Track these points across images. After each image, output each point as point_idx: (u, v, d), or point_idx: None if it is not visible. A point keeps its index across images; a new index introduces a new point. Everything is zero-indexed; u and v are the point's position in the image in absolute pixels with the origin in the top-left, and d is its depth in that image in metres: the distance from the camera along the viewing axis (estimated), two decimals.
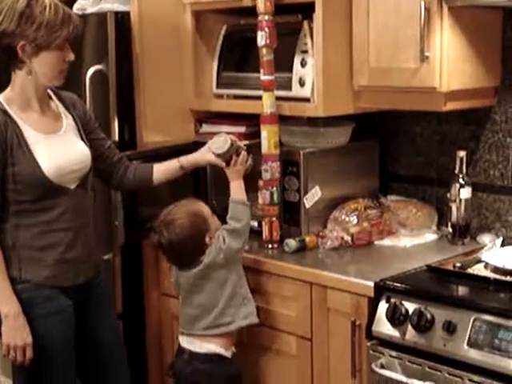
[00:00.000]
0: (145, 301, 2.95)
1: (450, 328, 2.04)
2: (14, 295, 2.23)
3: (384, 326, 2.18)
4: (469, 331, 2.01)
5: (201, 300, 2.43)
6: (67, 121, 2.36)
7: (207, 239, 2.41)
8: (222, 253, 2.37)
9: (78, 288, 2.36)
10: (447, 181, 2.61)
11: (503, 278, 2.17)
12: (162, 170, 2.57)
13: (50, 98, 2.37)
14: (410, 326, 2.12)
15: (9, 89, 2.30)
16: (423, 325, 2.08)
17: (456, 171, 2.56)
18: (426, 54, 2.33)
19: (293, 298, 2.45)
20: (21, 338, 2.23)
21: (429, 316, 2.08)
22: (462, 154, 2.56)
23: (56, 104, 2.37)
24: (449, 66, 2.35)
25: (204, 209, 2.47)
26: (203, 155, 2.55)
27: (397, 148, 2.87)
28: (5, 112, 2.24)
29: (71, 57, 2.29)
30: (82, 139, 2.38)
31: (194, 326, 2.44)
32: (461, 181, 2.55)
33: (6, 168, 2.22)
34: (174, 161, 2.57)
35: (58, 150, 2.28)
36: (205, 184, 2.93)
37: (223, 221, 2.46)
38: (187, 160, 2.56)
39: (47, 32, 2.20)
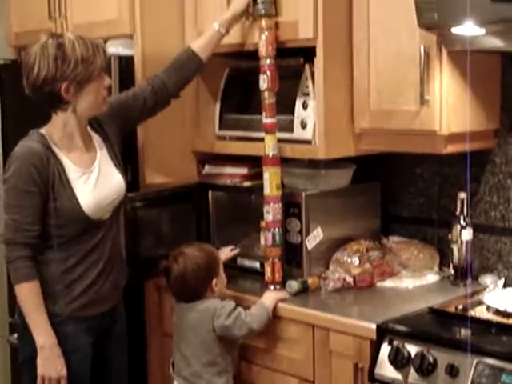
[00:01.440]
0: (147, 342, 2.95)
1: (452, 371, 2.03)
2: (50, 327, 2.29)
3: (386, 369, 2.17)
4: (471, 375, 2.00)
5: (186, 351, 2.47)
6: (102, 152, 2.41)
7: (214, 282, 2.47)
8: (232, 323, 2.41)
9: (101, 321, 2.42)
10: (448, 222, 2.62)
11: (505, 320, 2.17)
12: (204, 46, 2.65)
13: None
14: (412, 369, 2.12)
15: (50, 125, 2.34)
16: (426, 368, 2.08)
17: (457, 213, 2.57)
18: (426, 97, 2.36)
19: (295, 340, 2.45)
20: (55, 370, 2.28)
21: (431, 359, 2.08)
22: (462, 195, 2.57)
23: (92, 135, 2.42)
24: (448, 109, 2.38)
25: (216, 252, 2.56)
26: (237, 3, 2.64)
27: (398, 189, 2.89)
28: (48, 147, 2.28)
29: (109, 81, 2.35)
30: (116, 163, 2.43)
31: (181, 372, 2.50)
32: (462, 222, 2.56)
33: (47, 202, 2.28)
34: (210, 29, 2.66)
35: (97, 186, 2.34)
36: (207, 225, 2.94)
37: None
38: (225, 19, 2.65)
39: (84, 66, 2.24)
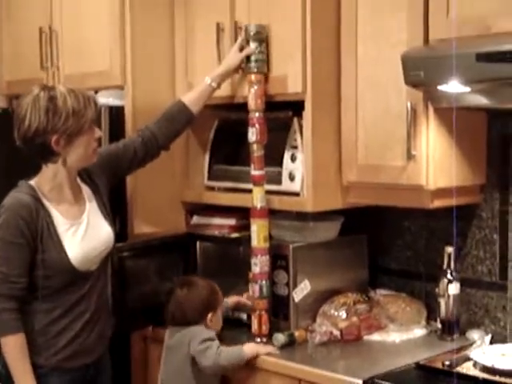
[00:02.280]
0: None
1: None
2: (34, 380, 2.27)
3: None
4: None
5: (163, 374, 2.55)
6: (91, 204, 2.41)
7: (209, 316, 2.54)
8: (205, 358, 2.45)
9: (86, 373, 2.40)
10: (435, 275, 2.63)
11: (492, 377, 2.16)
12: (196, 99, 2.68)
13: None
14: None
15: (39, 176, 2.34)
16: None
17: (444, 267, 2.58)
18: (413, 152, 2.39)
19: None
20: None
21: None
22: (449, 249, 2.58)
23: (81, 187, 2.42)
24: (435, 164, 2.40)
25: (221, 296, 2.63)
26: (231, 61, 2.66)
27: (385, 242, 2.90)
28: (37, 199, 2.28)
29: (99, 133, 2.37)
30: (106, 214, 2.44)
31: None
32: (449, 276, 2.57)
33: (35, 254, 2.27)
34: (202, 83, 2.69)
35: (85, 237, 2.34)
36: (195, 275, 2.93)
37: None
38: (216, 75, 2.67)
39: (75, 119, 2.25)
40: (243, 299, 2.73)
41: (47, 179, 2.33)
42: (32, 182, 2.33)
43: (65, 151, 2.28)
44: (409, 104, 2.37)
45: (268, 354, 2.49)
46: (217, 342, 2.48)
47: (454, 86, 2.18)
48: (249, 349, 2.48)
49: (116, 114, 2.86)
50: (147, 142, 2.61)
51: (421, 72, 2.18)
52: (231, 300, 2.73)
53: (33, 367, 2.27)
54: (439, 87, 2.24)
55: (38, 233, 2.26)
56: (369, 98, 2.51)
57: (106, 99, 2.87)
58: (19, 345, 2.25)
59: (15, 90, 3.34)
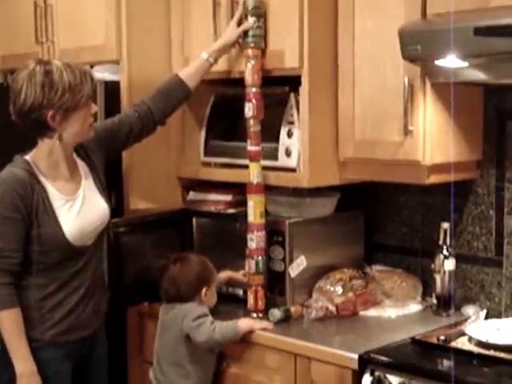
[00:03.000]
0: (128, 368, 2.92)
1: None
2: (30, 354, 2.27)
3: None
4: None
5: (158, 350, 2.57)
6: (87, 179, 2.40)
7: (204, 291, 2.54)
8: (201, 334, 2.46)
9: (82, 347, 2.40)
10: (431, 251, 2.63)
11: (486, 352, 2.17)
12: (192, 74, 2.66)
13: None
14: None
15: (35, 151, 2.33)
16: None
17: (440, 242, 2.58)
18: (410, 128, 2.38)
19: (276, 368, 2.44)
20: None
21: None
22: (445, 225, 2.58)
23: (78, 162, 2.41)
24: (432, 140, 2.40)
25: (215, 270, 2.63)
26: (228, 36, 2.64)
27: (381, 218, 2.90)
28: (33, 174, 2.27)
29: (96, 108, 2.35)
30: (101, 190, 2.43)
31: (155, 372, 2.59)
32: (445, 252, 2.57)
33: (31, 229, 2.26)
34: (199, 58, 2.66)
35: (81, 213, 2.33)
36: (191, 251, 2.93)
37: None
38: (213, 50, 2.65)
39: (71, 94, 2.23)
40: (236, 274, 2.73)
41: (43, 154, 2.32)
42: (27, 157, 2.32)
43: (61, 126, 2.27)
44: (406, 79, 2.36)
45: (263, 329, 2.49)
46: (210, 318, 2.48)
47: (451, 61, 2.17)
48: (244, 324, 2.49)
49: (111, 88, 2.84)
50: (143, 117, 2.60)
51: (418, 46, 2.17)
52: (224, 275, 2.74)
53: (28, 341, 2.28)
54: (437, 62, 2.22)
55: (33, 208, 2.26)
56: (366, 73, 2.50)
57: (101, 74, 2.86)
58: (15, 320, 2.26)
59: (10, 64, 3.32)
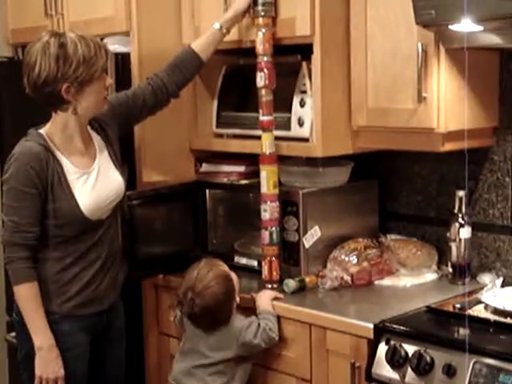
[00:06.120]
0: (144, 340, 2.94)
1: (449, 371, 2.02)
2: (48, 328, 2.28)
3: (384, 369, 2.16)
4: (469, 375, 1.99)
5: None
6: (102, 153, 2.39)
7: (237, 296, 2.45)
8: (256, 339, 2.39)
9: (99, 320, 2.41)
10: (447, 220, 2.61)
11: (503, 319, 2.16)
12: (205, 45, 2.63)
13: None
14: (409, 369, 2.10)
15: (50, 124, 2.33)
16: (423, 368, 2.07)
17: (455, 211, 2.56)
18: (424, 94, 2.35)
19: (292, 339, 2.44)
20: (53, 371, 2.28)
21: (428, 359, 2.07)
22: (461, 193, 2.56)
23: (92, 136, 2.41)
24: (446, 106, 2.37)
25: (225, 267, 2.49)
26: (239, 4, 2.60)
27: (396, 187, 2.87)
28: (47, 148, 2.27)
29: (110, 81, 2.34)
30: (116, 163, 2.42)
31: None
32: (460, 220, 2.55)
33: (46, 204, 2.27)
34: (211, 29, 2.63)
35: (96, 186, 2.33)
36: (204, 223, 2.93)
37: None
38: (225, 19, 2.61)
39: (86, 67, 2.22)
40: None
41: (58, 128, 2.31)
42: (42, 131, 2.32)
43: (75, 100, 2.26)
44: (420, 45, 2.32)
45: (276, 298, 2.48)
46: (262, 325, 2.40)
47: (466, 25, 2.13)
48: (269, 305, 2.45)
49: (122, 60, 2.82)
50: (157, 90, 2.58)
51: (432, 11, 2.13)
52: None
53: (46, 314, 2.29)
54: (451, 26, 2.19)
55: (48, 182, 2.26)
56: (379, 39, 2.46)
57: (111, 46, 2.81)
58: (33, 293, 2.27)
59: (20, 38, 3.31)
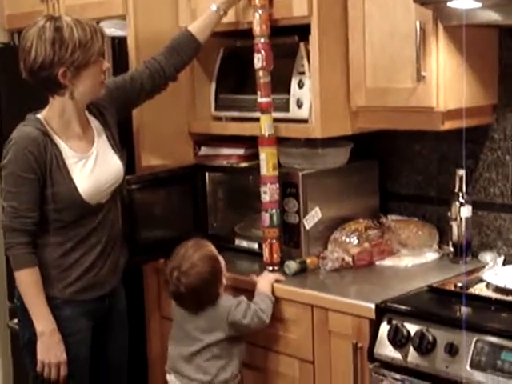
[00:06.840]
0: (146, 324, 2.94)
1: (452, 350, 2.02)
2: (50, 313, 2.29)
3: (386, 348, 2.16)
4: (471, 353, 2.00)
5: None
6: (100, 137, 2.39)
7: (224, 279, 2.42)
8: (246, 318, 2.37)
9: (100, 305, 2.42)
10: (447, 199, 2.60)
11: (505, 297, 2.16)
12: (202, 28, 2.61)
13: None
14: (411, 348, 2.11)
15: (47, 109, 2.32)
16: (425, 347, 2.07)
17: (456, 190, 2.55)
18: (423, 73, 2.33)
19: (294, 320, 2.44)
20: (55, 356, 2.29)
21: (430, 338, 2.07)
22: (461, 172, 2.55)
23: (90, 120, 2.40)
24: (445, 85, 2.35)
25: (213, 248, 2.46)
26: None
27: (396, 167, 2.86)
28: (45, 133, 2.27)
29: (107, 65, 2.33)
30: (115, 147, 2.42)
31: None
32: (461, 199, 2.55)
33: (45, 188, 2.27)
34: (208, 11, 2.61)
35: (94, 171, 2.33)
36: (204, 207, 2.92)
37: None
38: (222, 1, 2.60)
39: (82, 51, 2.21)
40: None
41: (55, 113, 2.30)
42: (40, 116, 2.31)
43: (72, 84, 2.25)
44: (418, 23, 2.30)
45: (277, 280, 2.48)
46: (252, 305, 2.38)
47: (464, 2, 2.11)
48: (268, 288, 2.44)
49: (119, 44, 2.81)
50: (154, 73, 2.57)
51: None
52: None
53: (46, 299, 2.29)
54: (449, 3, 2.17)
55: (46, 167, 2.25)
56: (376, 19, 2.44)
57: (108, 30, 2.80)
58: (34, 279, 2.27)
59: (16, 24, 3.29)
